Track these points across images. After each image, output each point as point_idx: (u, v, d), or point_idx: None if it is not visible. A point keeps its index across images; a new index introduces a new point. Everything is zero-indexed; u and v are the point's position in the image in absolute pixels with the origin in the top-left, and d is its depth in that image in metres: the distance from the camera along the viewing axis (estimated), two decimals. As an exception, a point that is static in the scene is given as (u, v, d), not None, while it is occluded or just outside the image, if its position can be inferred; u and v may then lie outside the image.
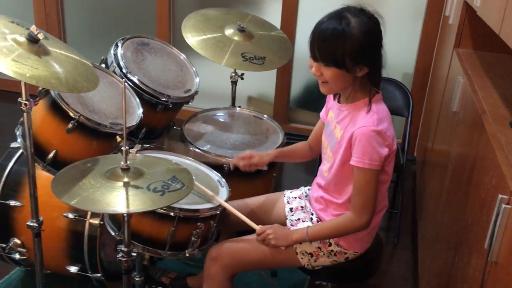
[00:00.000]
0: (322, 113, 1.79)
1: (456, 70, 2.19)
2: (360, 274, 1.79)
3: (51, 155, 1.80)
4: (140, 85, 2.12)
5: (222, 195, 1.80)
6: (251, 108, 3.26)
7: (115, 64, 2.15)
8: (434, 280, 1.90)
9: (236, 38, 2.44)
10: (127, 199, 1.35)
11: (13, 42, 1.42)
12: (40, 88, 1.75)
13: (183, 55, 2.47)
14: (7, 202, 1.93)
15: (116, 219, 1.72)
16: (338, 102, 1.65)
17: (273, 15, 3.45)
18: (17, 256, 1.95)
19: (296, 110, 3.78)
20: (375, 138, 1.49)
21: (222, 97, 3.29)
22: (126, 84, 2.03)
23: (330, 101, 1.73)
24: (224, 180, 1.91)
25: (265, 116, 2.50)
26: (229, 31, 2.46)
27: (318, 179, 1.74)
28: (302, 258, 1.67)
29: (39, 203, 1.67)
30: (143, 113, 2.03)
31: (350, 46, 1.45)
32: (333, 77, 1.51)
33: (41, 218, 1.68)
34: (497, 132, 1.40)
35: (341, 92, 1.62)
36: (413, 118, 2.75)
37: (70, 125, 1.77)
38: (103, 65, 2.18)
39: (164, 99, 2.17)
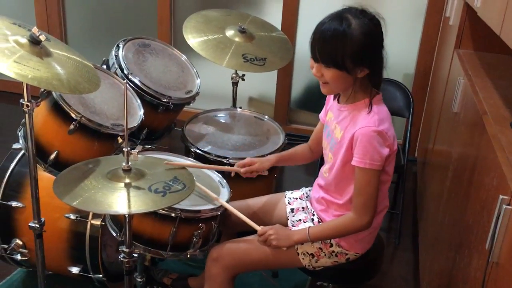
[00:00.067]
0: (321, 114, 1.80)
1: (456, 71, 2.19)
2: (361, 275, 1.79)
3: (52, 156, 1.81)
4: (142, 86, 2.13)
5: (223, 196, 1.80)
6: (252, 109, 3.26)
7: (116, 65, 2.15)
8: (435, 281, 1.90)
9: (237, 39, 2.44)
10: (129, 200, 1.36)
11: (14, 44, 1.43)
12: (42, 90, 1.75)
13: (184, 56, 2.48)
14: (9, 203, 1.93)
15: (117, 220, 1.72)
16: (338, 102, 1.65)
17: (274, 16, 3.45)
18: (18, 257, 1.95)
19: (297, 111, 3.78)
20: (376, 138, 1.49)
21: (223, 98, 3.29)
22: (127, 85, 2.02)
23: (330, 101, 1.73)
24: (225, 181, 1.91)
25: (266, 117, 2.50)
26: (230, 32, 2.46)
27: (319, 180, 1.75)
28: (303, 259, 1.67)
29: (41, 204, 1.67)
30: (144, 114, 2.04)
31: (351, 48, 1.45)
32: (333, 78, 1.51)
33: (42, 219, 1.69)
34: (498, 132, 1.41)
35: (342, 93, 1.63)
36: (414, 119, 2.75)
37: (71, 126, 1.77)
38: (105, 66, 2.18)
39: (165, 100, 2.17)
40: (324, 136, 1.71)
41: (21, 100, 1.52)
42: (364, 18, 1.47)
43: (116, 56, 2.17)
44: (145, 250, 1.69)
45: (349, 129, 1.54)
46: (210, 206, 1.73)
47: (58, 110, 1.78)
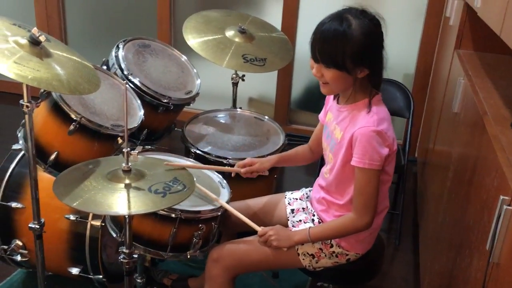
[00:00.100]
0: (321, 115, 1.80)
1: (457, 71, 2.19)
2: (362, 276, 1.79)
3: (52, 156, 1.81)
4: (141, 87, 2.13)
5: (223, 197, 1.80)
6: (252, 109, 3.26)
7: (116, 66, 2.15)
8: (436, 281, 1.90)
9: (237, 39, 2.44)
10: (129, 200, 1.36)
11: (14, 44, 1.43)
12: (42, 90, 1.75)
13: (184, 56, 2.48)
14: (8, 204, 1.93)
15: (117, 220, 1.72)
16: (337, 103, 1.65)
17: (274, 17, 3.45)
18: (18, 257, 1.95)
19: (297, 111, 3.78)
20: (375, 138, 1.49)
21: (223, 99, 3.29)
22: (127, 85, 2.03)
23: (329, 102, 1.73)
24: (225, 181, 1.91)
25: (266, 117, 2.50)
26: (230, 33, 2.46)
27: (320, 180, 1.74)
28: (303, 259, 1.67)
29: (41, 204, 1.67)
30: (144, 114, 2.04)
31: (351, 48, 1.45)
32: (333, 78, 1.51)
33: (42, 220, 1.68)
34: (498, 133, 1.40)
35: (341, 93, 1.62)
36: (414, 119, 2.75)
37: (71, 127, 1.77)
38: (105, 67, 2.18)
39: (165, 100, 2.17)
40: (324, 137, 1.71)
41: (21, 100, 1.52)
42: (364, 19, 1.47)
43: (116, 57, 2.17)
44: (145, 251, 1.69)
45: (349, 130, 1.54)
46: (210, 207, 1.73)
47: (58, 110, 1.78)
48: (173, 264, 2.27)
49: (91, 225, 1.86)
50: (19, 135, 1.87)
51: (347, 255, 1.67)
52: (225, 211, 1.75)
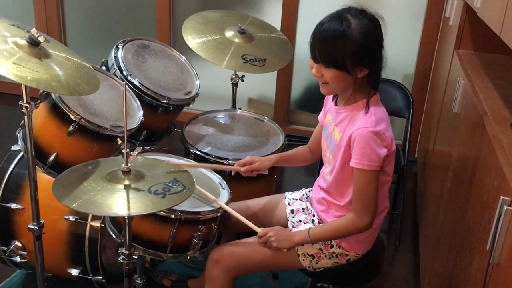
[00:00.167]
0: (320, 116, 1.79)
1: (456, 71, 2.18)
2: (362, 276, 1.79)
3: (52, 157, 1.81)
4: (141, 88, 2.12)
5: (223, 198, 1.80)
6: (251, 110, 3.26)
7: (115, 67, 2.15)
8: (436, 281, 1.90)
9: (236, 40, 2.44)
10: (128, 201, 1.35)
11: (13, 45, 1.42)
12: (41, 91, 1.75)
13: (183, 57, 2.47)
14: (8, 205, 1.93)
15: (117, 221, 1.72)
16: (336, 104, 1.65)
17: (274, 17, 3.45)
18: (18, 259, 1.95)
19: (296, 111, 3.78)
20: (373, 139, 1.49)
21: (222, 99, 3.29)
22: (126, 86, 2.02)
23: (328, 103, 1.73)
24: (225, 182, 1.90)
25: (266, 118, 2.50)
26: (229, 33, 2.46)
27: (320, 181, 1.74)
28: (303, 260, 1.67)
29: (40, 205, 1.67)
30: (143, 115, 2.03)
31: (351, 48, 1.45)
32: (333, 78, 1.51)
33: (42, 221, 1.68)
34: (498, 133, 1.40)
35: (341, 94, 1.62)
36: (414, 119, 2.74)
37: (71, 128, 1.77)
38: (104, 68, 2.18)
39: (165, 101, 2.17)
40: (323, 138, 1.71)
41: (20, 101, 1.52)
42: (363, 18, 1.47)
43: (115, 57, 2.17)
44: (145, 252, 1.69)
45: (348, 130, 1.54)
46: (210, 208, 1.72)
47: (57, 111, 1.78)
48: (173, 265, 2.27)
49: (91, 226, 1.86)
50: (18, 136, 1.87)
51: (347, 255, 1.67)
52: (225, 212, 1.75)
